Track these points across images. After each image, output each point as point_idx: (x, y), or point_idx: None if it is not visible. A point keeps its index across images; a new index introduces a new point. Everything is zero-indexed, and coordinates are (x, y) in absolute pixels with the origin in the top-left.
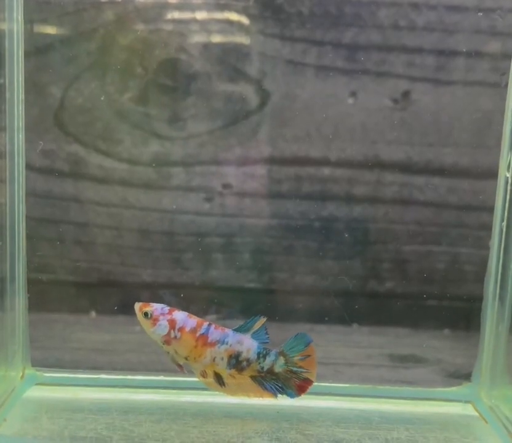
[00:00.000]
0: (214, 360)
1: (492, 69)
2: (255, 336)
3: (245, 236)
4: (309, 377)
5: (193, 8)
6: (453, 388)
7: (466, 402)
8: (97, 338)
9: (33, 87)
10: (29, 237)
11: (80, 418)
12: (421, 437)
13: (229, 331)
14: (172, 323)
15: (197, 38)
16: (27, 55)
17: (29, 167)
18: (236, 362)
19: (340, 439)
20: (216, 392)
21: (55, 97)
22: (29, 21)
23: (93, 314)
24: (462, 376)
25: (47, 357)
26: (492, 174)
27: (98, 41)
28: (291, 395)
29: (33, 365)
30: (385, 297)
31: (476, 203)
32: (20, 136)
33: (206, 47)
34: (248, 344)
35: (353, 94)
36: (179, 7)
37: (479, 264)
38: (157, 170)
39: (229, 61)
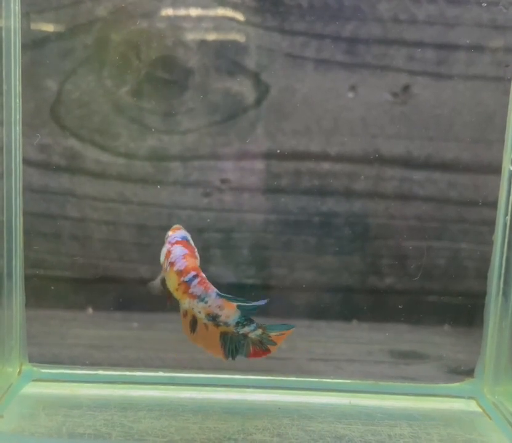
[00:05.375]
0: (193, 309)
1: (493, 63)
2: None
3: (243, 231)
4: (269, 347)
5: (191, 1)
6: (456, 384)
7: (469, 398)
8: (94, 334)
9: (29, 80)
10: (25, 233)
11: (78, 414)
12: (424, 434)
13: (212, 291)
14: (168, 254)
15: (195, 31)
16: (23, 48)
17: (25, 161)
18: (213, 320)
19: (341, 435)
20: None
21: (52, 91)
22: (25, 14)
23: (90, 310)
24: (464, 372)
25: (44, 353)
26: (493, 169)
27: (95, 34)
28: (242, 355)
29: (30, 361)
30: (385, 293)
31: (477, 199)
32: (17, 129)
33: (204, 40)
34: (228, 312)
35: (353, 88)
36: (177, 0)
37: (479, 259)
38: (155, 164)
39: (228, 54)
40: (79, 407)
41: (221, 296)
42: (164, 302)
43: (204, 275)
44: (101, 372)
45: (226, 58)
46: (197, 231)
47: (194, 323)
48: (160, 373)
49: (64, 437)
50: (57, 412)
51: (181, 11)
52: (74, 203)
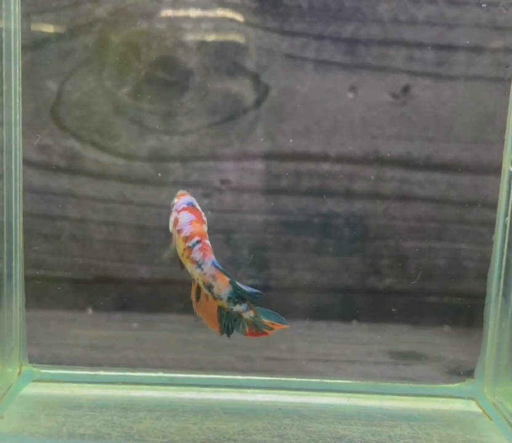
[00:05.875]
0: (194, 275)
1: (493, 64)
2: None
3: (243, 232)
4: (265, 330)
5: (191, 2)
6: (456, 385)
7: (469, 398)
8: (94, 335)
9: (30, 81)
10: (25, 233)
11: (78, 414)
12: (424, 434)
13: (209, 259)
14: (175, 222)
15: (195, 32)
16: (23, 49)
17: (25, 162)
18: (209, 290)
19: (341, 435)
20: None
21: (52, 91)
22: (26, 15)
23: (90, 310)
24: (464, 372)
25: (44, 354)
26: (492, 169)
27: (95, 35)
28: (240, 333)
29: (30, 362)
30: (385, 293)
31: (477, 199)
32: (17, 130)
33: (204, 41)
34: (220, 285)
35: (353, 89)
36: (177, 1)
37: (479, 260)
38: (155, 165)
39: (228, 55)
40: (79, 407)
41: (216, 267)
42: (164, 303)
43: (207, 241)
44: (101, 373)
45: (226, 58)
46: None
47: (198, 291)
48: (161, 374)
49: (65, 438)
50: (57, 413)
51: (181, 12)
52: (74, 203)
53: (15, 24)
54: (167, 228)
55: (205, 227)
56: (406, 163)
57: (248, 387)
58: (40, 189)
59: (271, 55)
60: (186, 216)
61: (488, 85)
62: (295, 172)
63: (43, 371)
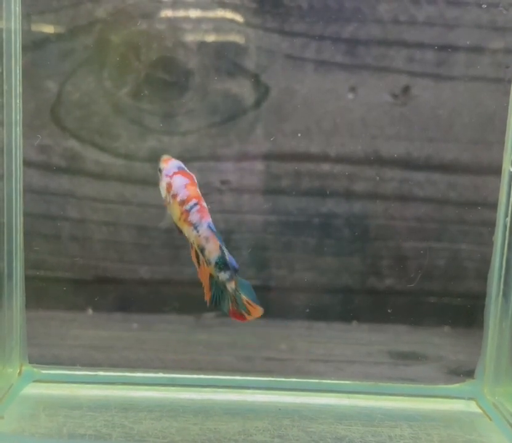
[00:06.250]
0: (190, 239)
1: (493, 64)
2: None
3: (243, 232)
4: (243, 313)
5: (191, 2)
6: (456, 385)
7: (469, 399)
8: (94, 335)
9: (30, 81)
10: (25, 234)
11: (78, 415)
12: (425, 434)
13: (205, 221)
14: (169, 187)
15: (195, 33)
16: (24, 49)
17: (25, 162)
18: (202, 253)
19: (342, 436)
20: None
21: (52, 92)
22: (26, 15)
23: (90, 311)
24: (464, 373)
25: (45, 354)
26: (493, 170)
27: (95, 35)
28: (224, 311)
29: (30, 362)
30: (385, 294)
31: (477, 200)
32: (17, 130)
33: (204, 41)
34: (211, 248)
35: (353, 89)
36: (177, 1)
37: (479, 260)
38: (155, 165)
39: (228, 56)
40: (79, 407)
41: (211, 229)
42: (164, 303)
43: (204, 203)
44: (101, 373)
45: (225, 59)
46: None
47: (197, 255)
48: (161, 374)
49: (65, 438)
50: (57, 413)
51: (181, 13)
52: (74, 204)
53: (15, 24)
54: (166, 229)
55: (197, 189)
56: (406, 163)
57: (249, 388)
58: (40, 190)
59: (271, 55)
60: (180, 180)
61: (488, 86)
62: (294, 172)
63: (43, 371)
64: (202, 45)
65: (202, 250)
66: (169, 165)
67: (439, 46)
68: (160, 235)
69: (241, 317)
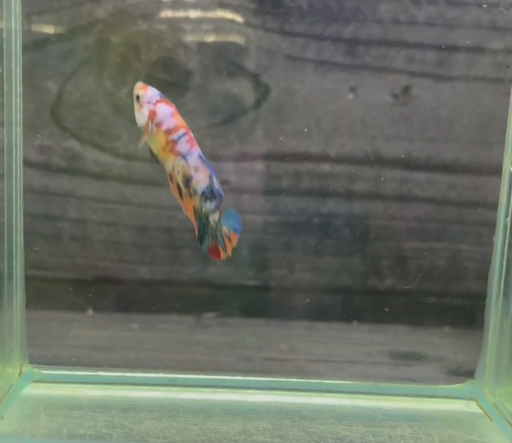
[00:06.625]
0: (174, 170)
1: (493, 64)
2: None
3: (243, 233)
4: (221, 249)
5: (191, 2)
6: (457, 385)
7: (470, 399)
8: (95, 335)
9: (30, 81)
10: (26, 234)
11: (78, 415)
12: (425, 435)
13: (195, 151)
14: (152, 115)
15: (195, 33)
16: (24, 49)
17: (25, 162)
18: (187, 185)
19: (342, 436)
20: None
21: (52, 92)
22: (26, 15)
23: (90, 311)
24: (464, 373)
25: (45, 354)
26: (493, 170)
27: (95, 36)
28: (204, 250)
29: (30, 362)
30: (385, 294)
31: (477, 200)
32: (18, 130)
33: (204, 42)
34: (200, 177)
35: (353, 89)
36: (177, 1)
37: (479, 260)
38: (155, 165)
39: (228, 56)
40: (79, 407)
41: (202, 159)
42: (164, 303)
43: (192, 134)
44: (101, 373)
45: (226, 59)
46: None
47: (179, 189)
48: (161, 374)
49: (65, 438)
50: (58, 413)
51: (181, 13)
52: (74, 204)
53: (15, 24)
54: (167, 229)
55: None
56: (406, 163)
57: (249, 388)
58: (40, 190)
59: (271, 55)
60: (165, 108)
61: (488, 86)
62: (295, 173)
63: (43, 371)
64: (202, 45)
65: (189, 180)
66: (149, 92)
67: (439, 46)
68: (160, 236)
69: (218, 254)
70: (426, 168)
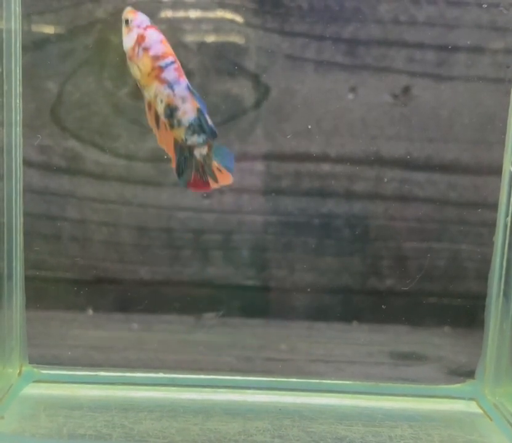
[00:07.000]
0: (156, 98)
1: (493, 64)
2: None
3: (244, 233)
4: (209, 180)
5: (191, 3)
6: (457, 385)
7: (470, 399)
8: (95, 335)
9: (30, 81)
10: (25, 234)
11: (78, 415)
12: (425, 435)
13: (184, 81)
14: (140, 39)
15: (195, 33)
16: (24, 49)
17: (25, 162)
18: (170, 115)
19: (342, 436)
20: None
21: (52, 92)
22: (26, 15)
23: (90, 311)
24: (464, 373)
25: (45, 354)
26: (493, 170)
27: (95, 36)
28: (181, 183)
29: (30, 362)
30: (385, 294)
31: (477, 200)
32: (17, 130)
33: (204, 42)
34: (187, 108)
35: (353, 89)
36: (177, 1)
37: (479, 261)
38: (155, 165)
39: (228, 56)
40: (79, 408)
41: (190, 91)
42: (165, 303)
43: (180, 65)
44: (101, 373)
45: (226, 59)
46: (197, 233)
47: (157, 118)
48: (161, 374)
49: (65, 438)
50: (58, 413)
51: (181, 13)
52: (74, 204)
53: (15, 24)
54: (167, 229)
55: None
56: (406, 163)
57: (249, 388)
58: (40, 190)
59: (271, 55)
60: (155, 34)
61: (488, 86)
62: (295, 173)
63: (43, 371)
64: (202, 45)
65: (174, 110)
66: (139, 16)
67: (439, 46)
68: (161, 236)
69: (205, 185)
70: (426, 168)
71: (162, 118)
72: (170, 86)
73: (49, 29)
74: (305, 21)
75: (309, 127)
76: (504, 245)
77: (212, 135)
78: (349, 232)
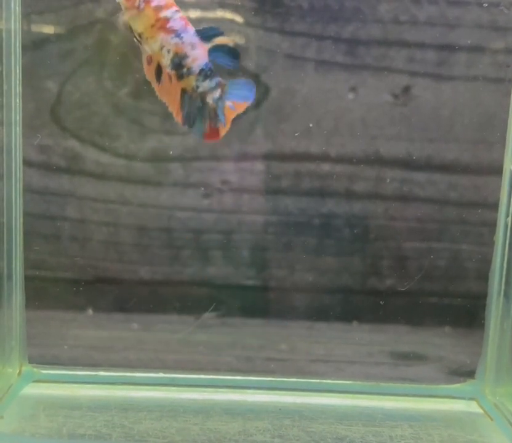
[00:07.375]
0: (162, 49)
1: (494, 64)
2: (216, 53)
3: (244, 233)
4: (220, 127)
5: (191, 2)
6: (457, 385)
7: (470, 399)
8: (94, 335)
9: (30, 81)
10: (25, 234)
11: (78, 415)
12: (426, 435)
13: (192, 29)
14: None
15: None
16: (24, 49)
17: (25, 162)
18: (179, 64)
19: (343, 436)
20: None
21: (52, 92)
22: (26, 15)
23: (90, 311)
24: (465, 373)
25: (44, 354)
26: (493, 170)
27: (95, 36)
28: (197, 134)
29: (30, 362)
30: (385, 294)
31: (478, 200)
32: (17, 130)
33: None
34: (197, 54)
35: (353, 89)
36: (177, 1)
37: (480, 261)
38: (155, 165)
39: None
40: (79, 407)
41: (198, 37)
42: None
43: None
44: (101, 373)
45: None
46: (197, 232)
47: (159, 72)
48: (161, 374)
49: (65, 438)
50: (57, 413)
51: (183, 13)
52: (74, 204)
53: (15, 24)
54: (167, 229)
55: None
56: (406, 163)
57: (249, 388)
58: (40, 190)
59: (271, 55)
60: None
61: (489, 86)
62: (295, 173)
63: (43, 371)
64: None
65: (183, 58)
66: None
67: (440, 46)
68: (160, 236)
69: (217, 134)
70: (427, 168)
71: (168, 70)
72: (178, 35)
73: (49, 29)
74: (305, 21)
75: (310, 125)
76: (504, 245)
77: (235, 56)
78: (349, 232)
